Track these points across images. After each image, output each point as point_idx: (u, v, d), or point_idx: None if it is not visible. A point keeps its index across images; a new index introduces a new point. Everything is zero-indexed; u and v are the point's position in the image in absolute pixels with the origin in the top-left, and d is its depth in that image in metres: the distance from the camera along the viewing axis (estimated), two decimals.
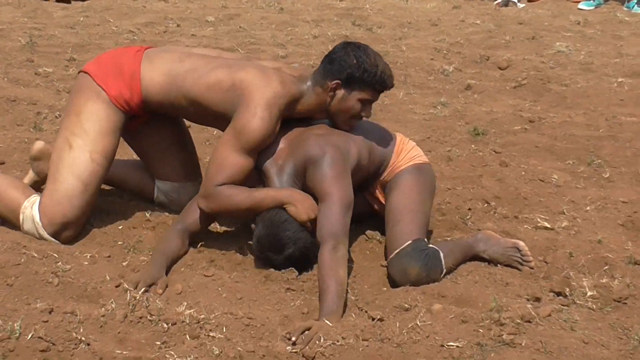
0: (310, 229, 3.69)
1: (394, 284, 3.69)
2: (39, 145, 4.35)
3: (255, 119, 3.68)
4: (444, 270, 3.70)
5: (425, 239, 3.79)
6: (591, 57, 8.66)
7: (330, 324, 3.18)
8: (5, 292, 3.30)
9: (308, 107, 3.91)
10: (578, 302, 3.50)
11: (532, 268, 3.81)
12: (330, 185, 3.62)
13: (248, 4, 11.43)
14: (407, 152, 4.02)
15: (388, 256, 3.75)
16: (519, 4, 12.31)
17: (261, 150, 3.78)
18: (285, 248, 3.66)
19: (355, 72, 3.78)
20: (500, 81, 7.61)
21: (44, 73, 6.92)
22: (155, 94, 3.92)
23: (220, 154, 3.73)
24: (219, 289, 3.54)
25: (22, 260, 3.57)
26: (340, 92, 3.83)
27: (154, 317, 3.23)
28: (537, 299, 3.51)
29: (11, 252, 3.63)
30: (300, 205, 3.68)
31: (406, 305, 3.42)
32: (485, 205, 4.61)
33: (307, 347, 3.05)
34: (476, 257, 3.89)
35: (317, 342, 3.07)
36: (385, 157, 3.98)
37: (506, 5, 12.25)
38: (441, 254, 3.71)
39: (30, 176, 4.39)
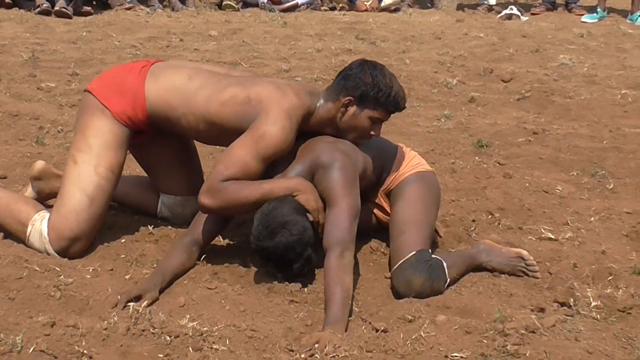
0: (316, 219, 3.66)
1: (397, 295, 3.67)
2: (39, 165, 4.35)
3: (276, 127, 3.67)
4: (448, 281, 3.69)
5: (430, 250, 3.78)
6: (595, 69, 8.66)
7: (336, 334, 3.15)
8: (7, 305, 3.28)
9: (320, 121, 3.90)
10: (582, 312, 3.48)
11: (537, 278, 3.80)
12: (340, 192, 3.60)
13: (251, 19, 11.44)
14: (409, 161, 4.03)
15: (392, 267, 3.73)
16: (522, 17, 12.32)
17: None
18: (278, 234, 3.56)
19: (370, 90, 3.79)
20: (503, 94, 7.60)
21: (47, 88, 6.91)
22: (162, 111, 3.91)
23: (233, 154, 3.69)
24: (222, 301, 3.52)
25: (24, 274, 3.55)
26: (352, 109, 3.83)
27: (156, 329, 3.22)
28: (541, 310, 3.49)
29: (13, 266, 3.62)
30: (311, 194, 3.66)
31: (410, 316, 3.40)
32: (490, 216, 4.59)
33: None
34: (479, 268, 3.88)
35: (325, 355, 3.05)
36: (387, 166, 3.99)
37: (509, 18, 12.26)
38: (445, 265, 3.69)
39: (29, 193, 4.38)
